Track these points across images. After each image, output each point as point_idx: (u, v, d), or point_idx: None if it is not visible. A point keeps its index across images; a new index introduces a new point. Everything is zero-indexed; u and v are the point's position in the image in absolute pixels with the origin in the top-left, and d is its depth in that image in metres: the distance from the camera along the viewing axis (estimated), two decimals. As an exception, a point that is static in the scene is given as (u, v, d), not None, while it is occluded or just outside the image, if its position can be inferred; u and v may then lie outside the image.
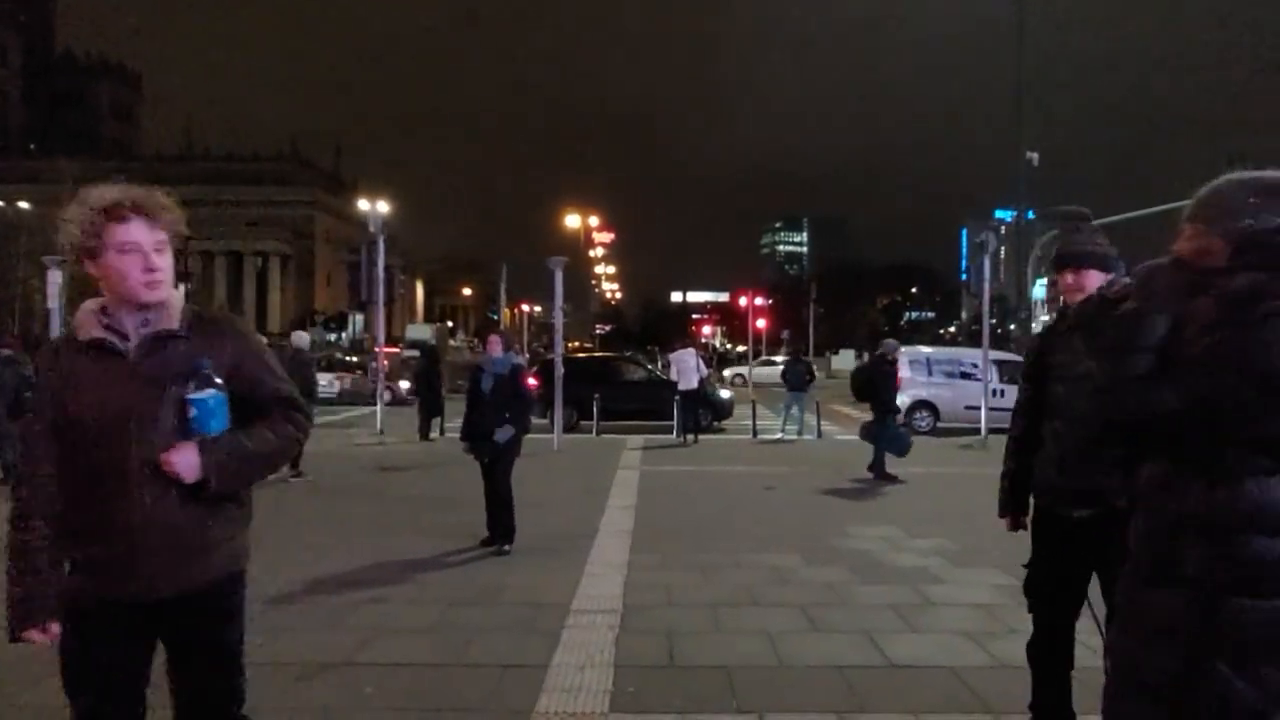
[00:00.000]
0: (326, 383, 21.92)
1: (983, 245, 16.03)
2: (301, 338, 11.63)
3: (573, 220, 58.26)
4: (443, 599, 5.09)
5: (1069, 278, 2.89)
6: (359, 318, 57.40)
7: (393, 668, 4.00)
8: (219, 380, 1.92)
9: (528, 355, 29.85)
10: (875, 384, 10.64)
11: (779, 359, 34.31)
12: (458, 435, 6.90)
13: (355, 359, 31.67)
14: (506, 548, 6.22)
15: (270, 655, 4.14)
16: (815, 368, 18.79)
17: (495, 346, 6.41)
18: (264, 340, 2.38)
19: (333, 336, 61.84)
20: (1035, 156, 30.14)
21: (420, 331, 49.02)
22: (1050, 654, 2.92)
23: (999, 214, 48.03)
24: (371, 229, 16.67)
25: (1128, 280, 2.79)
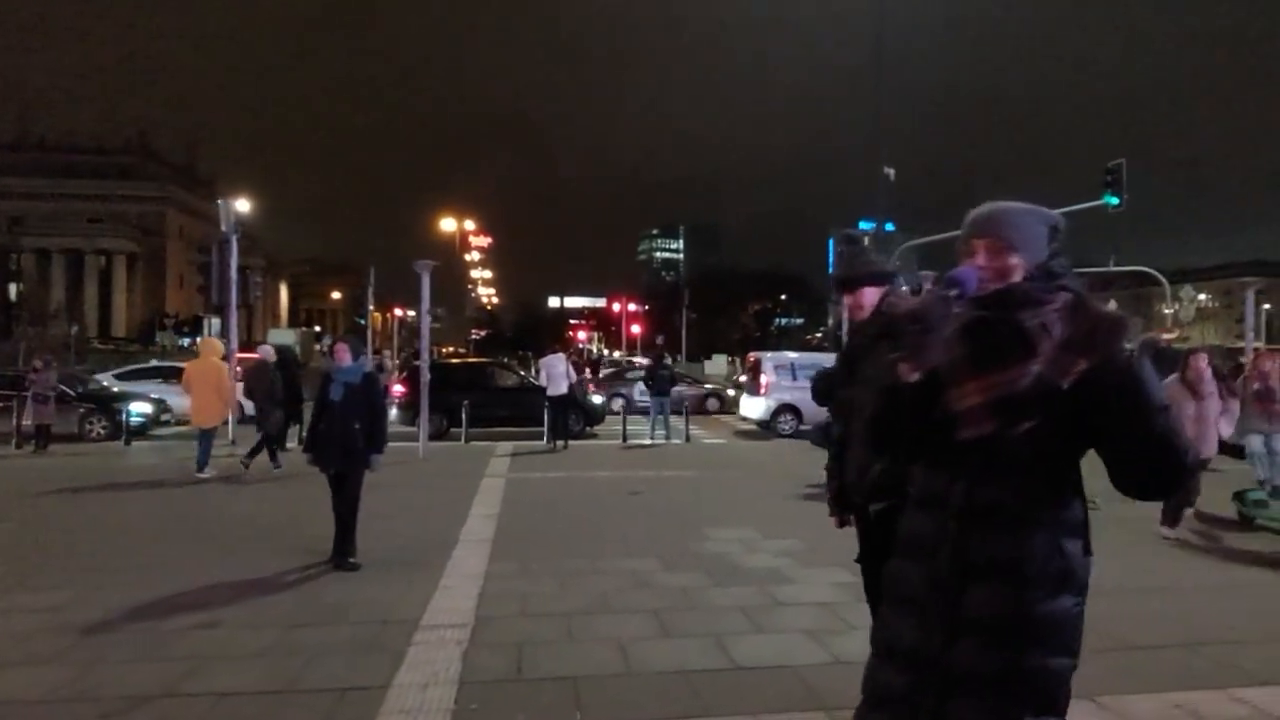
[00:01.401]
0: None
1: (843, 255, 16.70)
2: (267, 350, 12.73)
3: (448, 224, 57.07)
4: (281, 620, 4.82)
5: (848, 299, 3.11)
6: (215, 321, 54.20)
7: (218, 698, 3.75)
8: None
9: (398, 361, 28.90)
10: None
11: (639, 361, 34.80)
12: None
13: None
14: (352, 560, 5.97)
15: (79, 691, 3.82)
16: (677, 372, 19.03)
17: (344, 354, 6.13)
18: None
19: (185, 341, 58.13)
20: (892, 172, 31.85)
21: (283, 337, 46.80)
22: None
23: (862, 225, 50.42)
24: (224, 227, 15.77)
25: (905, 290, 3.08)
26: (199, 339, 15.99)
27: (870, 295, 3.03)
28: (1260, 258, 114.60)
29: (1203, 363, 7.68)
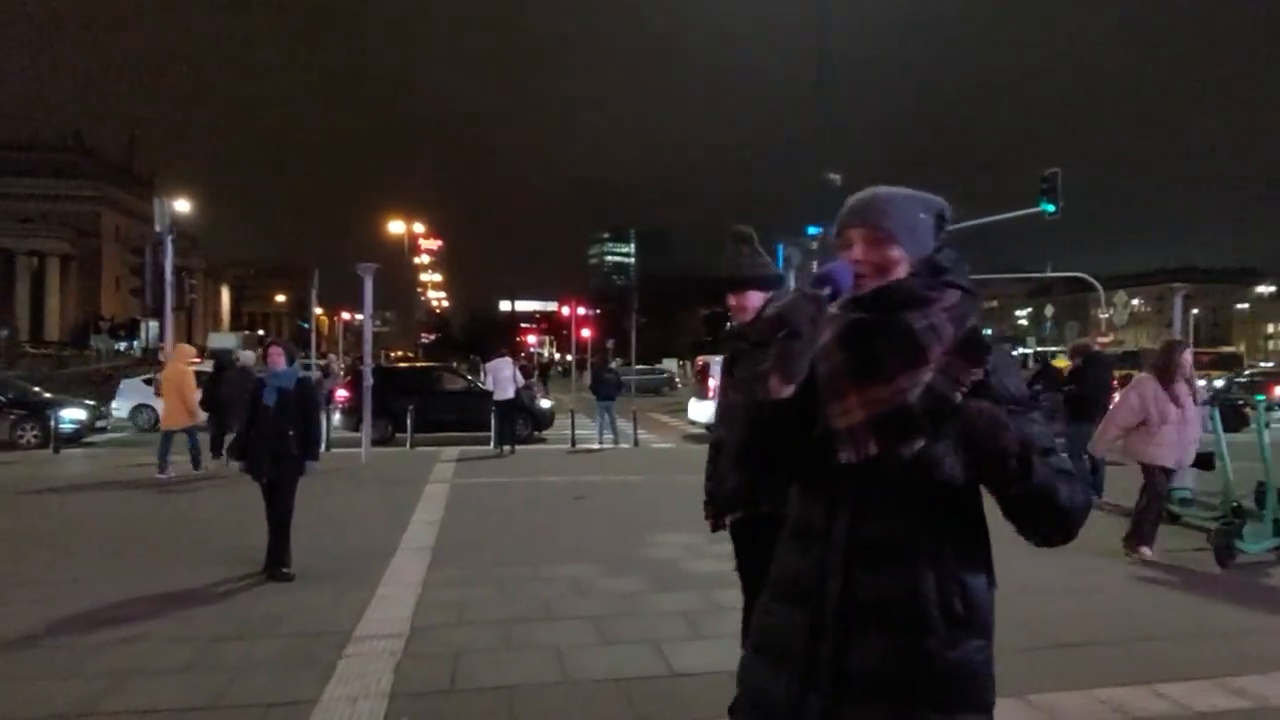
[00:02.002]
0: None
1: (789, 260, 16.94)
2: (249, 355, 12.92)
3: (397, 226, 56.21)
4: (208, 634, 4.67)
5: (732, 300, 2.96)
6: (153, 325, 52.70)
7: (138, 716, 3.61)
8: None
9: (344, 365, 28.38)
10: None
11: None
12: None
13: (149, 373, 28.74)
14: (285, 570, 5.81)
15: (-16, 712, 3.64)
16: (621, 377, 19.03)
17: (277, 358, 5.98)
18: None
19: (121, 345, 56.30)
20: (838, 178, 32.22)
21: (223, 340, 45.65)
22: None
23: (809, 230, 51.04)
24: (158, 227, 15.33)
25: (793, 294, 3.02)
26: (171, 345, 15.71)
27: (755, 299, 2.92)
28: (1190, 264, 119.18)
29: (1188, 356, 6.89)
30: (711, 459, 3.15)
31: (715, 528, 3.11)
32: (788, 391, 1.51)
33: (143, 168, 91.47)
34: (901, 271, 1.60)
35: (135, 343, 57.38)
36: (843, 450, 1.54)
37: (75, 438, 15.89)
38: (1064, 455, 1.57)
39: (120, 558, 6.53)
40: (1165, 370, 6.70)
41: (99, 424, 17.58)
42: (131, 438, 17.41)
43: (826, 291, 1.52)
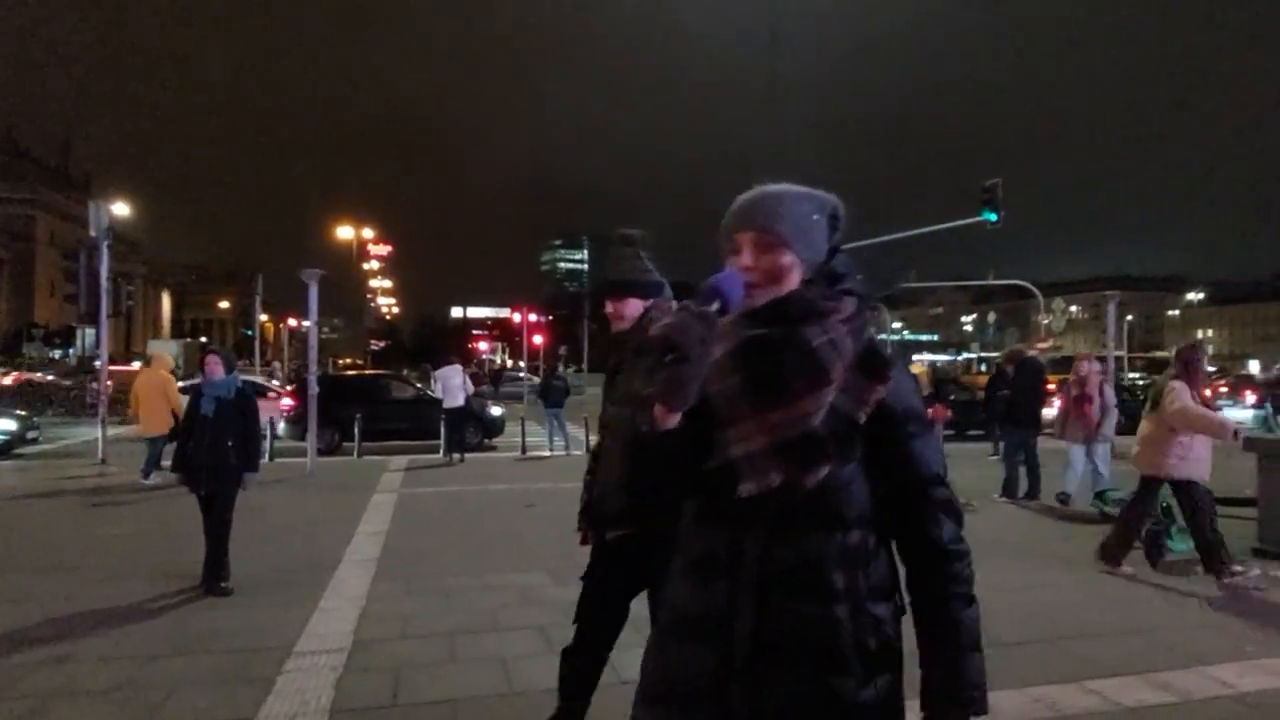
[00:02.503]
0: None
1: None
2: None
3: (345, 231, 55.26)
4: (141, 652, 4.53)
5: (610, 306, 2.83)
6: (90, 332, 51.03)
7: (64, 738, 3.49)
8: None
9: (288, 372, 27.82)
10: None
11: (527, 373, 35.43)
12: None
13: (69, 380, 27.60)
14: (224, 585, 5.67)
15: (-103, 740, 3.49)
16: (570, 383, 18.99)
17: (215, 367, 5.83)
18: None
19: (56, 353, 54.41)
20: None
21: (163, 348, 44.39)
22: (582, 673, 3.04)
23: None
24: (93, 232, 14.84)
25: (673, 304, 2.69)
26: (150, 352, 15.47)
27: (634, 306, 2.78)
28: (1124, 272, 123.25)
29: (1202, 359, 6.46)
30: (590, 469, 3.02)
31: (585, 541, 3.00)
32: (674, 421, 1.36)
33: (79, 170, 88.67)
34: (795, 279, 1.48)
35: (71, 350, 55.50)
36: (744, 481, 1.42)
37: (5, 449, 15.31)
38: (949, 485, 1.52)
39: (49, 574, 6.29)
40: (1192, 376, 6.22)
41: (30, 435, 16.94)
42: (52, 448, 16.82)
43: (715, 307, 1.37)
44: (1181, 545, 6.73)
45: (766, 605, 1.41)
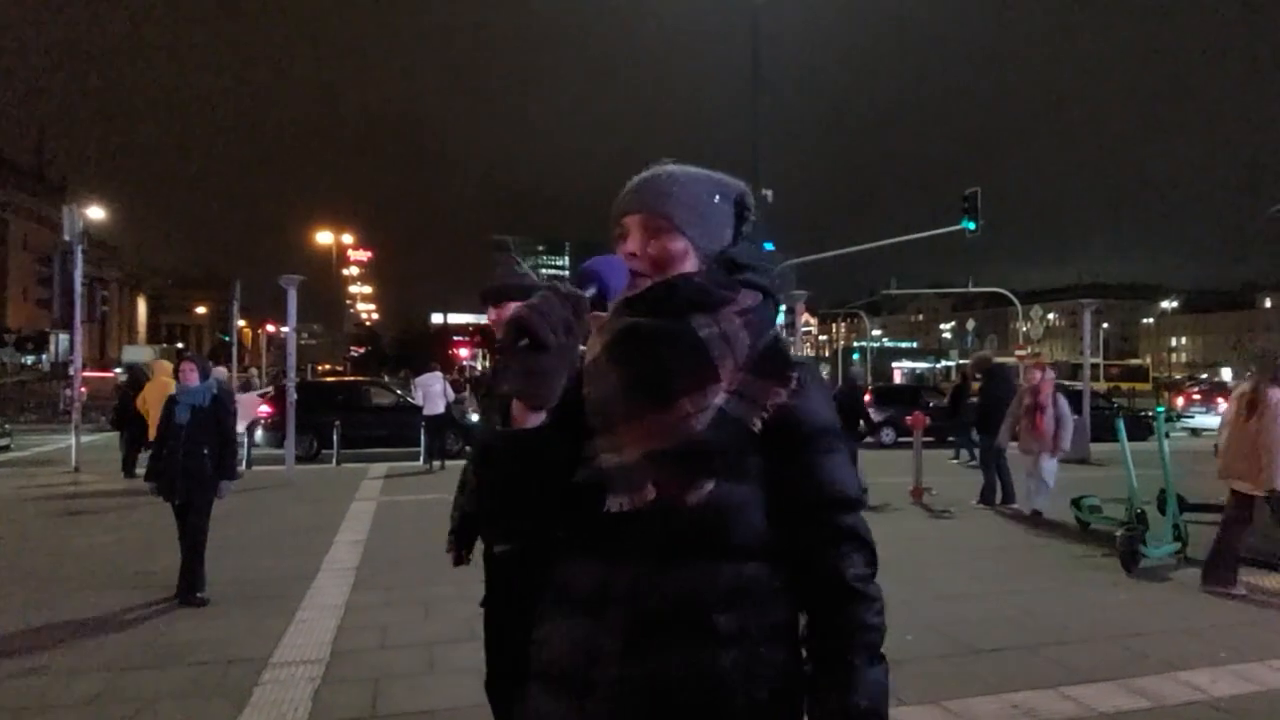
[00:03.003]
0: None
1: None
2: (221, 371, 13.26)
3: (325, 237, 55.02)
4: (115, 664, 4.46)
5: (491, 314, 2.74)
6: (64, 338, 50.32)
7: (34, 753, 3.43)
8: None
9: (267, 378, 27.58)
10: (847, 408, 10.75)
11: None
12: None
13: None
14: (199, 595, 5.60)
15: None
16: None
17: (190, 374, 5.77)
18: None
19: (29, 359, 53.60)
20: (770, 193, 32.74)
21: (137, 354, 43.92)
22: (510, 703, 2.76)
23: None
24: (67, 236, 14.67)
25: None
26: (151, 361, 15.48)
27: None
28: (1099, 280, 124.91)
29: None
30: (463, 483, 2.87)
31: (458, 561, 2.88)
32: (534, 420, 1.17)
33: (54, 173, 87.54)
34: (688, 267, 1.27)
35: (44, 356, 54.71)
36: (613, 495, 1.19)
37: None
38: (859, 513, 1.28)
39: (19, 584, 6.19)
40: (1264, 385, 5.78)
41: (2, 442, 16.69)
42: (25, 455, 16.57)
43: (591, 291, 1.18)
44: (1157, 551, 6.82)
45: (635, 650, 1.16)
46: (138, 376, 13.00)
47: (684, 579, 1.18)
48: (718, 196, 1.34)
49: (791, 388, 1.24)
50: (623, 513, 1.19)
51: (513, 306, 2.50)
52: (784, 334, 1.41)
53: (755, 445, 1.21)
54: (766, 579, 1.22)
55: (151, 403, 11.26)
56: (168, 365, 12.66)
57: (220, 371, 13.66)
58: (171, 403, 5.77)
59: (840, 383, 12.65)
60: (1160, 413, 8.56)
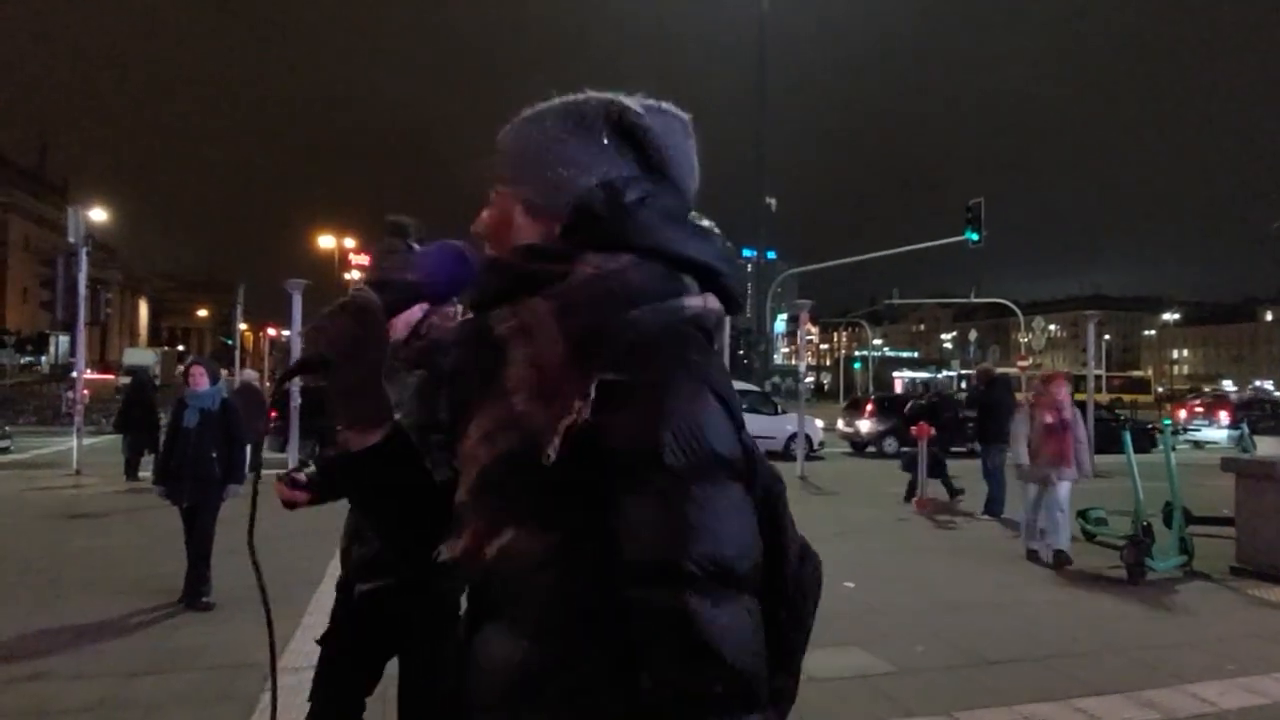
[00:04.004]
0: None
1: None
2: (251, 375, 14.28)
3: (327, 241, 54.92)
4: (120, 669, 4.45)
5: None
6: (63, 340, 50.29)
7: (40, 757, 3.41)
8: None
9: (270, 384, 27.58)
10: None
11: None
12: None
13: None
14: (205, 600, 5.59)
15: None
16: None
17: (200, 378, 5.77)
18: None
19: (27, 359, 53.59)
20: (774, 202, 32.90)
21: (140, 356, 44.01)
22: None
23: (745, 252, 51.95)
24: (72, 238, 14.68)
25: (457, 311, 2.30)
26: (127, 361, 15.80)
27: (413, 310, 2.40)
28: (1100, 292, 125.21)
29: None
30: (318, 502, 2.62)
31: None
32: (364, 441, 1.00)
33: (55, 174, 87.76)
34: (526, 236, 0.95)
35: (43, 358, 54.69)
36: (447, 541, 0.97)
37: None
38: (693, 584, 0.80)
39: (23, 588, 6.17)
40: None
41: (2, 444, 16.68)
42: (25, 458, 16.56)
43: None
44: (1163, 564, 6.81)
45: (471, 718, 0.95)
46: (142, 380, 12.99)
47: (482, 657, 0.93)
48: (566, 132, 0.94)
49: (592, 398, 0.83)
50: (452, 560, 0.95)
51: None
52: (687, 310, 0.91)
53: (563, 482, 0.84)
54: (606, 640, 0.84)
55: None
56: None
57: (251, 374, 13.86)
58: (180, 406, 5.76)
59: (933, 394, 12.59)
60: (1168, 426, 8.54)
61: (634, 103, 0.97)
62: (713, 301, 0.95)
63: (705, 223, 1.00)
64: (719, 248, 0.97)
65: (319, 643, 2.46)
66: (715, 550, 0.80)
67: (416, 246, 2.33)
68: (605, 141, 0.95)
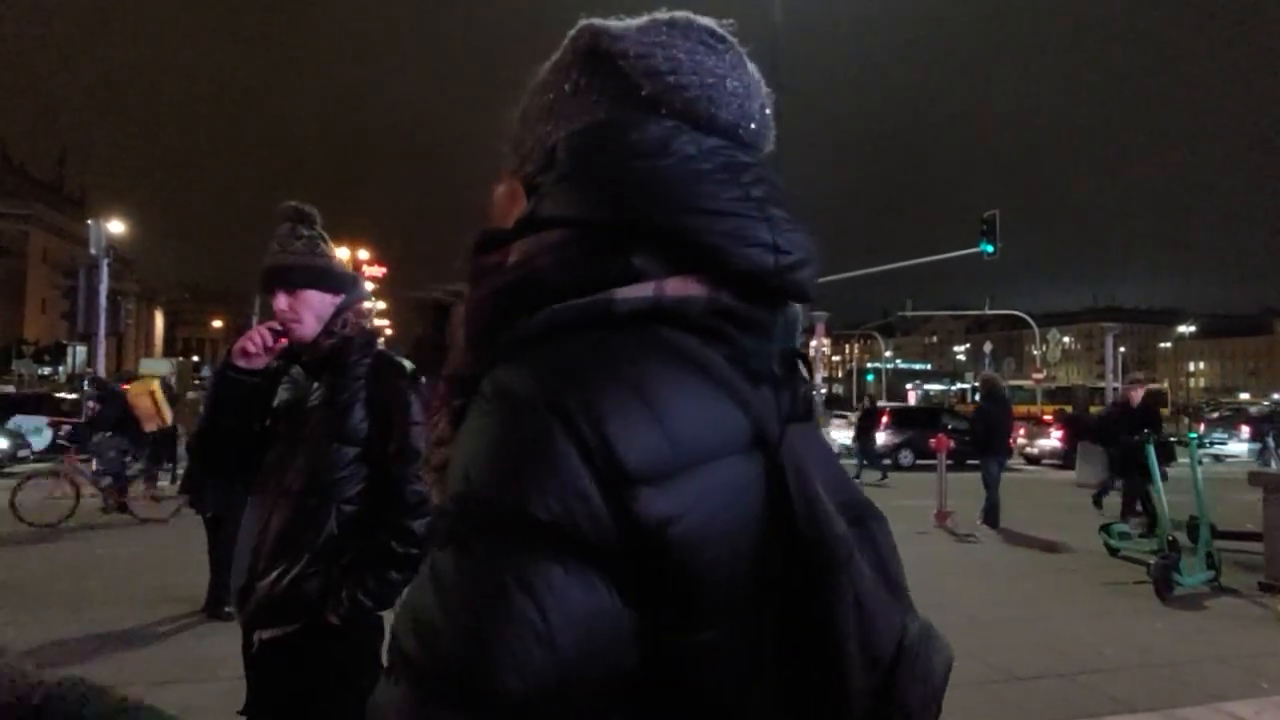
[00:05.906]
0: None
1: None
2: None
3: (341, 252, 55.36)
4: (145, 677, 4.46)
5: (282, 301, 2.01)
6: (81, 350, 50.70)
7: (70, 767, 3.41)
8: None
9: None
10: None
11: None
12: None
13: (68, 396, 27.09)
14: (229, 610, 5.58)
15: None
16: None
17: (225, 388, 5.79)
18: None
19: (46, 370, 54.11)
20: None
21: (156, 367, 44.23)
22: None
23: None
24: (93, 250, 14.84)
25: (368, 307, 2.11)
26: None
27: (318, 303, 2.01)
28: (1115, 304, 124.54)
29: None
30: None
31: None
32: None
33: (74, 186, 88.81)
34: (515, 214, 0.78)
35: (60, 368, 55.17)
36: None
37: (-6, 467, 15.14)
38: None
39: (45, 597, 6.20)
40: None
41: (20, 453, 16.78)
42: (43, 468, 16.65)
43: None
44: (1191, 579, 6.73)
45: None
46: (169, 388, 13.05)
47: None
48: (555, 73, 0.77)
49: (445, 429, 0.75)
50: None
51: (311, 296, 2.00)
52: (618, 305, 0.64)
53: None
54: None
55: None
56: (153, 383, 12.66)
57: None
58: (204, 416, 5.78)
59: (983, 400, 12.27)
60: (1194, 439, 8.44)
61: (618, 22, 0.74)
62: (694, 286, 0.65)
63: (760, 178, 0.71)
64: (755, 209, 0.67)
65: (239, 713, 2.04)
66: (422, 653, 0.55)
67: (323, 233, 2.10)
68: (580, 81, 0.73)
